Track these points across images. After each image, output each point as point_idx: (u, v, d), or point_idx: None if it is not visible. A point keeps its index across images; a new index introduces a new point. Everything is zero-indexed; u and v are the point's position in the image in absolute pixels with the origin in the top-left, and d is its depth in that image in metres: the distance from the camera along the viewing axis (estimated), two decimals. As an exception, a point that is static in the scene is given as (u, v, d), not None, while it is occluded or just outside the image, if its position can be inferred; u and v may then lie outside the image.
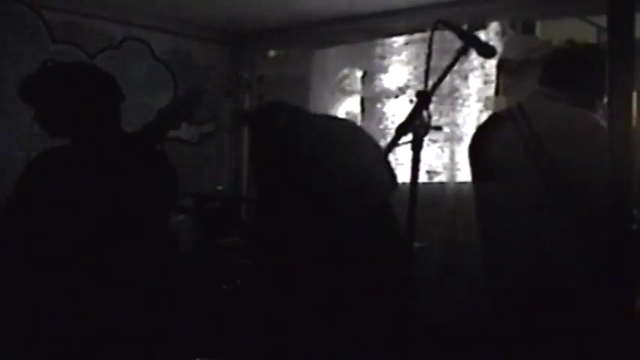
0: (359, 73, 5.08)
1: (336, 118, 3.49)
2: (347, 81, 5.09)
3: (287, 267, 2.89)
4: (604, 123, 2.49)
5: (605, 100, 2.66)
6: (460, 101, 4.33)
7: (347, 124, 3.22)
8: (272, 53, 5.61)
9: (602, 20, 3.03)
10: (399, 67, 4.79)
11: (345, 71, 5.10)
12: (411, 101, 4.63)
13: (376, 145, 3.04)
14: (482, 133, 2.96)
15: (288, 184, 2.89)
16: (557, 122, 2.63)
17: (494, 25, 4.25)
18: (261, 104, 3.38)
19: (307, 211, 2.81)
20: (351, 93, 5.08)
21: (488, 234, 2.81)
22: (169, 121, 2.64)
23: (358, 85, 5.08)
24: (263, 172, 3.05)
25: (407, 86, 4.72)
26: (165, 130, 2.65)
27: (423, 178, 3.49)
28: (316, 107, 5.03)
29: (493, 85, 4.26)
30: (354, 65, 5.07)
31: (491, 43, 3.99)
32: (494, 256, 2.76)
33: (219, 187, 5.19)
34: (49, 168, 2.70)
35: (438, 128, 2.12)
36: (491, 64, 4.19)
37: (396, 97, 4.76)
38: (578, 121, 2.63)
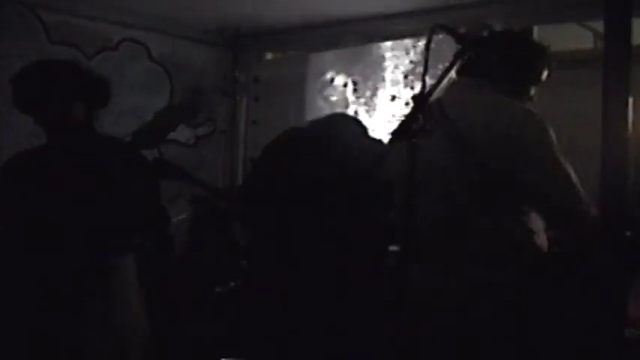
0: (341, 80, 5.08)
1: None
2: (328, 90, 5.09)
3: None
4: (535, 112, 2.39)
5: (533, 90, 2.60)
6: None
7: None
8: (269, 56, 5.62)
9: (600, 25, 3.03)
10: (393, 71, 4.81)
11: (328, 77, 5.10)
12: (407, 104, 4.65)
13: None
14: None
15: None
16: (484, 115, 2.42)
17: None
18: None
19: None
20: (334, 102, 5.07)
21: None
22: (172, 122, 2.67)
23: (343, 94, 5.07)
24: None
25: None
26: (167, 132, 2.69)
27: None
28: (311, 109, 5.05)
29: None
30: (345, 69, 5.06)
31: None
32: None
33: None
34: (19, 171, 2.72)
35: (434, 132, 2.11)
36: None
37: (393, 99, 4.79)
38: (508, 112, 2.41)
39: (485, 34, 2.67)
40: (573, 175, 2.31)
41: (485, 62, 2.53)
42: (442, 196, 2.41)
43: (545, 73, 2.60)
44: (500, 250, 2.35)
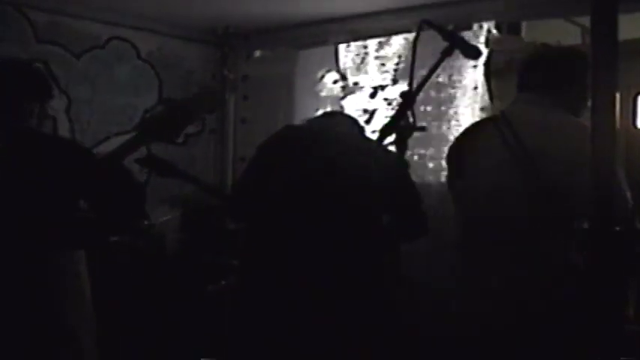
0: (332, 77, 5.06)
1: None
2: (319, 86, 5.08)
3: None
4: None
5: (589, 103, 2.68)
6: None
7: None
8: (257, 54, 5.60)
9: (587, 21, 3.04)
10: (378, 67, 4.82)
11: (317, 74, 5.10)
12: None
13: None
14: (466, 138, 2.85)
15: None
16: (544, 129, 2.51)
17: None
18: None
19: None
20: (325, 98, 5.06)
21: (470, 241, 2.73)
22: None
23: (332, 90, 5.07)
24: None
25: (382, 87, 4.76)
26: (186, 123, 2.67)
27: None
28: (301, 107, 5.04)
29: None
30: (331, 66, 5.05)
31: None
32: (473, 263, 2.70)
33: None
34: None
35: (422, 129, 2.12)
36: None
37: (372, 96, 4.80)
38: (567, 126, 2.51)
39: (552, 51, 2.73)
40: (630, 198, 2.37)
41: (551, 79, 2.61)
42: (503, 213, 2.50)
43: None
44: (553, 271, 2.43)
